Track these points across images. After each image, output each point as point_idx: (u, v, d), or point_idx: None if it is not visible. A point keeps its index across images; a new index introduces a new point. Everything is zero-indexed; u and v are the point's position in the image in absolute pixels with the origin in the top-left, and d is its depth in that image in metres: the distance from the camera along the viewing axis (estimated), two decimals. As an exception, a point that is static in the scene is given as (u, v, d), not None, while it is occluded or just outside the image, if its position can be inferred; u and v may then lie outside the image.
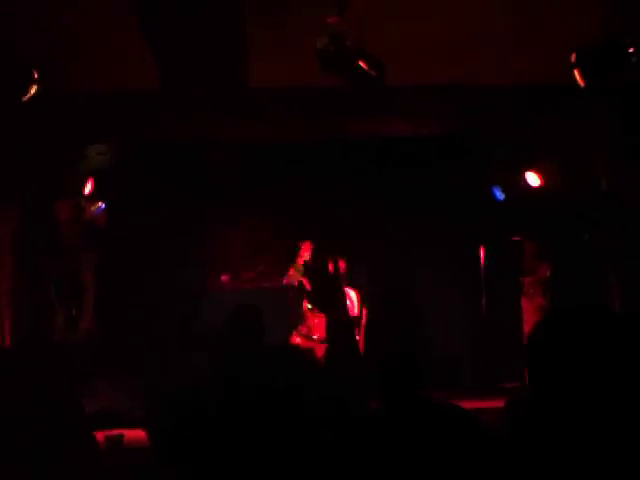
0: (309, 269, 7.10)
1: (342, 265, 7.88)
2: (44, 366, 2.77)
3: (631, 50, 5.11)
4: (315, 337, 7.90)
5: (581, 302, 1.68)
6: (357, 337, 7.75)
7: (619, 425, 1.57)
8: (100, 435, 6.19)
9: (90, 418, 6.06)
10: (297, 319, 8.07)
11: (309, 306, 7.95)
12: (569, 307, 1.75)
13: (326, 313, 7.58)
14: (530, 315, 8.92)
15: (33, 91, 5.70)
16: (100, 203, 8.26)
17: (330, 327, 7.49)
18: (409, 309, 7.62)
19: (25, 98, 5.69)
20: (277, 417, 2.13)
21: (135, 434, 6.13)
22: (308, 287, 7.87)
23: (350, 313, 7.87)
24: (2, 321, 7.47)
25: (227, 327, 5.01)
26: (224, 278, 9.69)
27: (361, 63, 5.60)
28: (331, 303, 7.36)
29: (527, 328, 8.79)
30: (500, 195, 8.94)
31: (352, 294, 7.97)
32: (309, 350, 7.30)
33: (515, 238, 9.20)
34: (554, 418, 1.63)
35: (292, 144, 8.07)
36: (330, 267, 7.52)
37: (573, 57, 5.43)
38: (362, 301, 7.99)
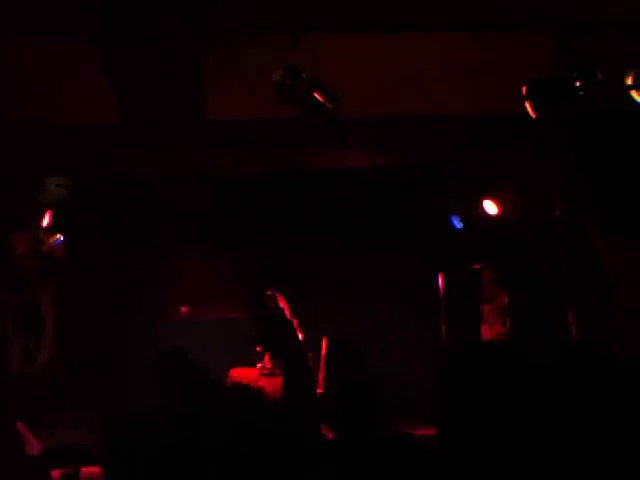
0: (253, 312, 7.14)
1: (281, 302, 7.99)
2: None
3: (578, 83, 5.24)
4: (272, 370, 7.92)
5: (477, 344, 1.73)
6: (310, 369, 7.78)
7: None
8: (56, 471, 6.11)
9: (46, 453, 6.00)
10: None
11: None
12: (465, 351, 1.78)
13: (276, 350, 7.61)
14: (490, 342, 8.99)
15: (-13, 124, 5.68)
16: (58, 235, 8.22)
17: (283, 361, 7.50)
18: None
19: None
20: (231, 453, 2.14)
21: (92, 470, 6.05)
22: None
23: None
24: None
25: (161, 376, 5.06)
26: (183, 310, 9.66)
27: (316, 95, 5.67)
28: (279, 339, 7.40)
29: (487, 356, 8.84)
30: (458, 224, 9.03)
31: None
32: (257, 388, 7.30)
33: (474, 266, 9.29)
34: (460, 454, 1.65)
35: (250, 177, 8.10)
36: (271, 304, 7.60)
37: (523, 90, 5.56)
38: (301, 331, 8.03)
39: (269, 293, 8.04)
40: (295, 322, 8.07)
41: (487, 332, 9.15)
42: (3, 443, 3.09)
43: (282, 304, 7.98)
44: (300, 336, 8.03)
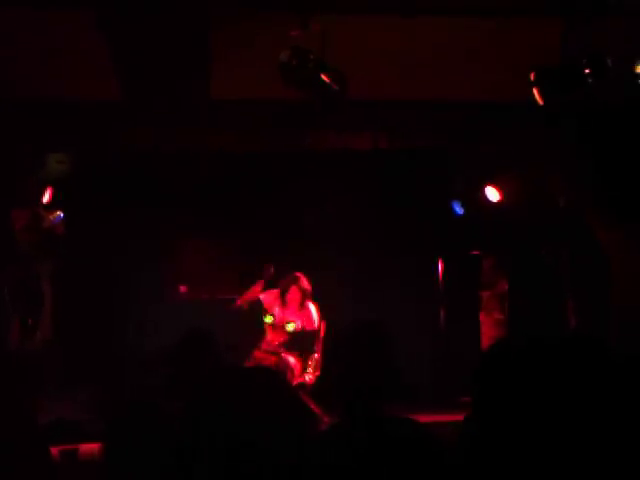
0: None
1: (306, 284, 8.03)
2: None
3: (587, 71, 5.19)
4: (273, 351, 7.96)
5: (532, 335, 1.69)
6: (316, 350, 7.89)
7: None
8: (55, 449, 6.10)
9: (45, 430, 5.99)
10: (256, 332, 8.12)
11: (268, 320, 8.03)
12: (517, 341, 1.76)
13: None
14: (488, 329, 9.00)
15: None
16: (58, 212, 8.18)
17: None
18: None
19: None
20: (240, 440, 2.10)
21: (91, 448, 6.04)
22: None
23: (309, 327, 7.98)
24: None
25: (178, 353, 4.96)
26: (182, 288, 9.63)
27: (323, 77, 5.61)
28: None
29: (485, 342, 8.85)
30: (459, 209, 9.00)
31: (312, 307, 8.04)
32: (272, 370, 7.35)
33: (474, 252, 9.27)
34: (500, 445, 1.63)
35: (253, 156, 8.08)
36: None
37: (532, 76, 5.50)
38: (322, 315, 8.09)
39: (297, 275, 8.07)
40: (316, 305, 8.15)
41: (485, 318, 9.15)
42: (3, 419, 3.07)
43: (306, 286, 8.04)
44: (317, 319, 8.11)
